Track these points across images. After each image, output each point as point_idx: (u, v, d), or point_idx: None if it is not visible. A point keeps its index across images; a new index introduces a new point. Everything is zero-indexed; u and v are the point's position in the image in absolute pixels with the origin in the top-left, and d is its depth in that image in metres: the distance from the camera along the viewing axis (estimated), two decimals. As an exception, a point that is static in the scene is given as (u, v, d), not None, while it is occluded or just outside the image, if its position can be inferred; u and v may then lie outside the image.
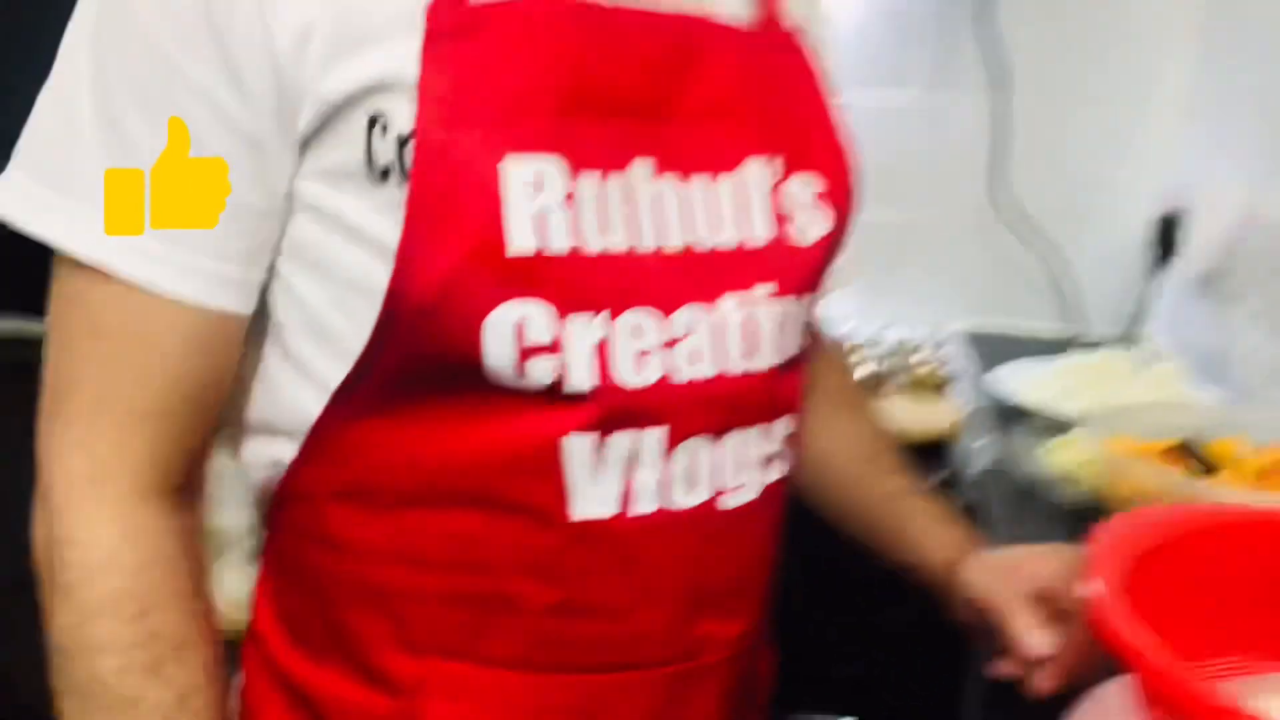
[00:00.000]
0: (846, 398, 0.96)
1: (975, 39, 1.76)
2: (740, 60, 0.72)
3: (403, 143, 0.62)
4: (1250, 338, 1.38)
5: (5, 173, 0.64)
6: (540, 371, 0.64)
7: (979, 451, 1.31)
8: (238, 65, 0.61)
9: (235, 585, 1.53)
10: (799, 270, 0.72)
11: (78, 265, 0.63)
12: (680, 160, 0.69)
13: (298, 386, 0.68)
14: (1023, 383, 1.41)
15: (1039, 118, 1.78)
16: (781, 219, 0.72)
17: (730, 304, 0.69)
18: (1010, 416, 1.36)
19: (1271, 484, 0.91)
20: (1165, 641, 0.57)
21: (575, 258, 0.65)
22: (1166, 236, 1.66)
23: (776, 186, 0.72)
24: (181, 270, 0.63)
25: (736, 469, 0.71)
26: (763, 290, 0.70)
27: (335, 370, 0.66)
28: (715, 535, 0.71)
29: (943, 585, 0.85)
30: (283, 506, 0.70)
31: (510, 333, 0.63)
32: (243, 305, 0.65)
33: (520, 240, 0.63)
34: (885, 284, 1.84)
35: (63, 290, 0.65)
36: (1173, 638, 0.58)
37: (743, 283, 0.70)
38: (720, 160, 0.71)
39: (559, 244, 0.64)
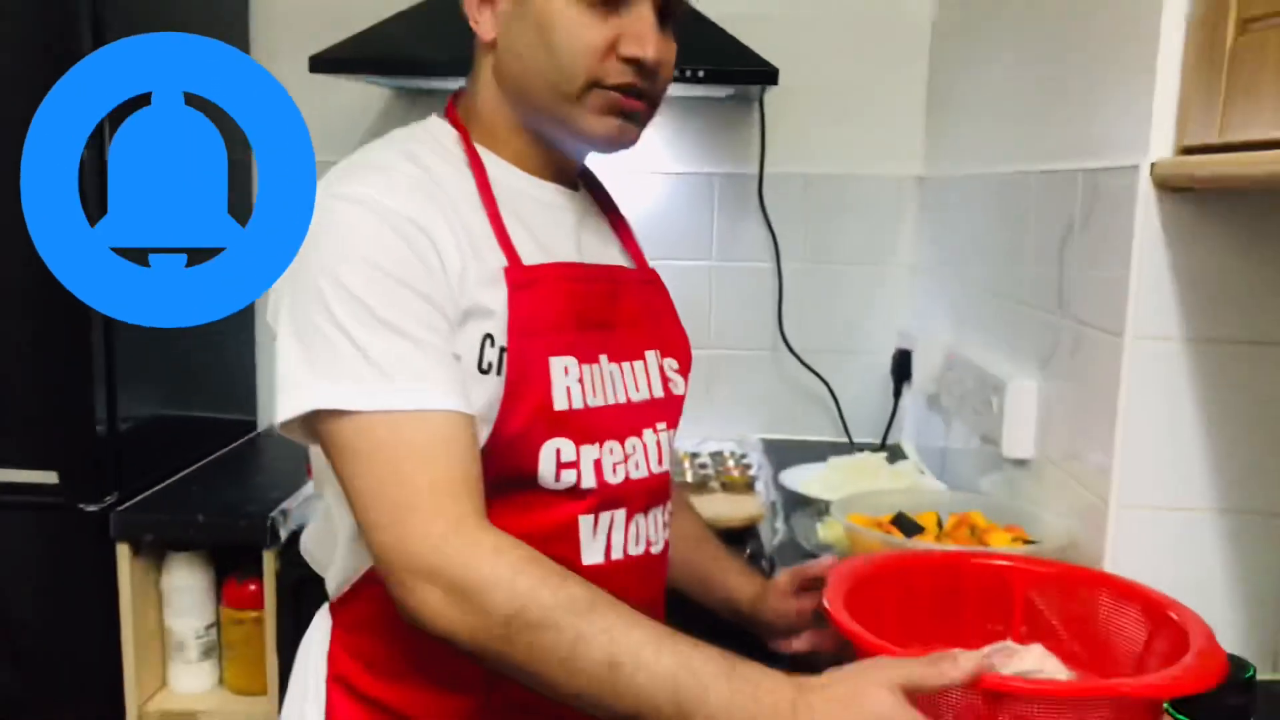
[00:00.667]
0: (681, 502, 1.33)
1: (749, 222, 2.26)
2: (637, 291, 1.15)
3: (502, 352, 0.97)
4: (959, 441, 1.83)
5: (322, 385, 0.91)
6: (567, 478, 1.00)
7: (775, 531, 1.70)
8: (437, 284, 0.94)
9: (192, 679, 1.83)
10: (675, 413, 1.15)
11: (383, 418, 0.89)
12: (619, 353, 1.08)
13: None
14: (803, 479, 1.84)
15: (808, 278, 2.26)
16: (666, 384, 1.14)
17: (649, 434, 1.09)
18: (796, 504, 1.75)
19: (953, 538, 1.35)
20: (873, 631, 0.92)
21: (583, 411, 1.02)
22: (902, 367, 2.12)
23: (662, 364, 1.14)
24: (458, 397, 0.92)
25: (655, 531, 1.11)
26: (661, 425, 1.12)
27: None
28: (649, 570, 1.11)
29: (750, 612, 1.24)
30: (375, 583, 0.95)
31: (553, 456, 0.99)
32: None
33: (559, 403, 1.00)
34: (701, 407, 2.20)
35: (370, 440, 0.89)
36: (881, 630, 0.93)
37: (652, 422, 1.11)
38: (635, 352, 1.11)
39: (576, 404, 1.01)
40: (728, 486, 1.88)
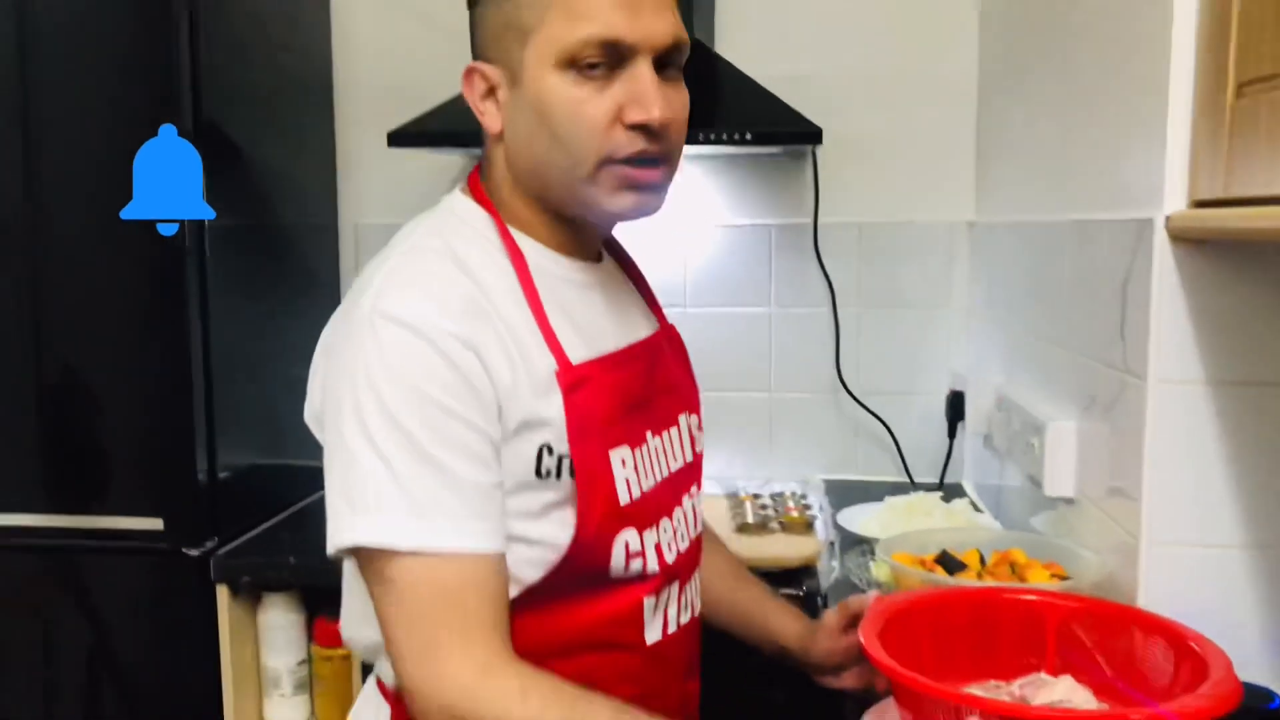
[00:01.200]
0: (710, 538, 1.33)
1: (806, 270, 2.32)
2: (665, 355, 1.18)
3: (560, 459, 0.97)
4: (1012, 480, 1.87)
5: (364, 519, 0.90)
6: (635, 565, 1.03)
7: (832, 570, 1.75)
8: (486, 406, 0.92)
9: (286, 713, 1.94)
10: (700, 473, 1.20)
11: (420, 555, 0.89)
12: (659, 425, 1.10)
13: None
14: (860, 518, 1.89)
15: (864, 322, 2.32)
16: (693, 444, 1.18)
17: (686, 500, 1.14)
18: (853, 543, 1.81)
19: (994, 576, 1.38)
20: (911, 664, 0.97)
21: (641, 499, 1.03)
22: (956, 408, 2.15)
23: (690, 425, 1.18)
24: (495, 536, 0.93)
25: (695, 594, 1.15)
26: (693, 489, 1.16)
27: (511, 591, 0.97)
28: (693, 634, 1.16)
29: (798, 650, 1.27)
30: None
31: (623, 548, 1.01)
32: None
33: (623, 496, 1.01)
34: (764, 449, 2.35)
35: (407, 575, 0.90)
36: (918, 664, 0.98)
37: (687, 487, 1.15)
38: (670, 419, 1.13)
39: (635, 494, 1.02)
40: (786, 527, 1.93)
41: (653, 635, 1.08)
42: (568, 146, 0.97)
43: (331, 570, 1.81)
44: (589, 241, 1.10)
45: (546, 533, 0.98)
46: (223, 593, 1.87)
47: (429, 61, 2.26)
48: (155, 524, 1.86)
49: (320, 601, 1.96)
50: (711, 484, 2.10)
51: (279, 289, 2.17)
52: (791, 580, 1.76)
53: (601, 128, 0.96)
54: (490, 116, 1.03)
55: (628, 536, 1.02)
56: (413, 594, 0.91)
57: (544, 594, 1.00)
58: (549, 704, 0.92)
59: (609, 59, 0.96)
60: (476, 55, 1.04)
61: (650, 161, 0.99)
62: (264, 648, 1.95)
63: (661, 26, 0.97)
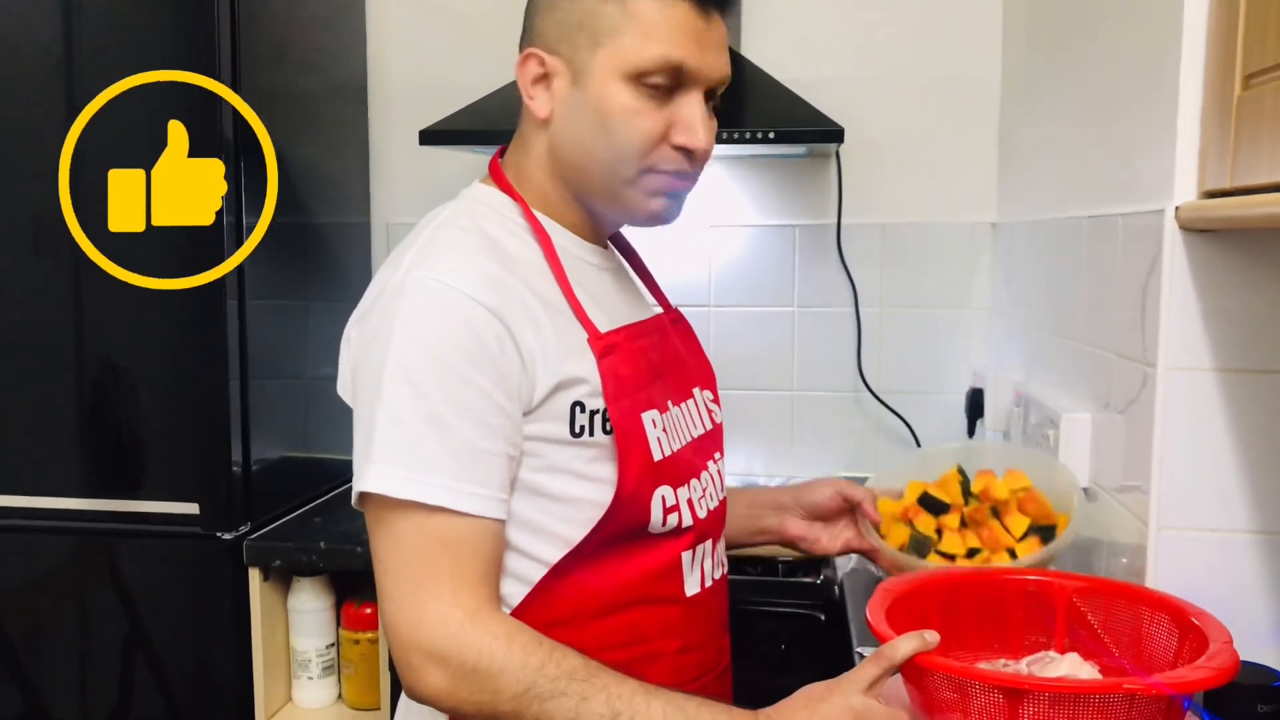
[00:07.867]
0: None
1: (829, 270, 2.35)
2: (673, 334, 1.24)
3: (593, 415, 1.02)
4: None
5: (371, 468, 0.94)
6: (672, 520, 1.08)
7: (848, 559, 1.77)
8: (505, 377, 0.97)
9: (314, 695, 1.99)
10: (721, 441, 1.24)
11: (418, 507, 0.93)
12: (677, 396, 1.16)
13: (527, 565, 1.04)
14: None
15: (886, 322, 2.35)
16: (710, 415, 1.23)
17: (711, 465, 1.18)
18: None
19: (975, 519, 1.37)
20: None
21: (672, 457, 1.09)
22: (975, 405, 2.18)
23: (704, 398, 1.23)
24: (492, 502, 0.97)
25: (723, 553, 1.21)
26: (717, 454, 1.21)
27: (554, 552, 1.03)
28: (725, 590, 1.21)
29: (790, 506, 1.37)
30: None
31: (660, 503, 1.06)
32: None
33: (657, 453, 1.06)
34: (786, 446, 2.38)
35: (405, 524, 0.94)
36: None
37: (711, 453, 1.20)
38: (686, 392, 1.19)
39: (667, 452, 1.08)
40: (807, 519, 1.95)
41: (692, 588, 1.12)
42: (619, 150, 1.05)
43: (359, 556, 1.89)
44: (603, 230, 1.18)
45: (589, 491, 1.04)
46: (254, 576, 1.92)
47: (460, 62, 2.34)
48: (191, 509, 1.91)
49: (349, 586, 2.01)
50: (733, 480, 2.13)
51: (313, 285, 2.23)
52: (809, 569, 1.80)
53: (652, 141, 1.05)
54: (540, 102, 1.08)
55: (664, 492, 1.07)
56: (407, 541, 0.95)
57: (589, 553, 1.05)
58: (531, 649, 0.95)
59: (670, 81, 1.04)
60: (533, 40, 1.09)
61: (684, 175, 1.09)
62: (293, 631, 2.00)
63: (719, 63, 1.07)
